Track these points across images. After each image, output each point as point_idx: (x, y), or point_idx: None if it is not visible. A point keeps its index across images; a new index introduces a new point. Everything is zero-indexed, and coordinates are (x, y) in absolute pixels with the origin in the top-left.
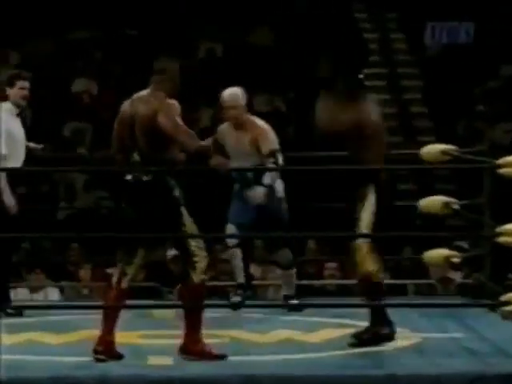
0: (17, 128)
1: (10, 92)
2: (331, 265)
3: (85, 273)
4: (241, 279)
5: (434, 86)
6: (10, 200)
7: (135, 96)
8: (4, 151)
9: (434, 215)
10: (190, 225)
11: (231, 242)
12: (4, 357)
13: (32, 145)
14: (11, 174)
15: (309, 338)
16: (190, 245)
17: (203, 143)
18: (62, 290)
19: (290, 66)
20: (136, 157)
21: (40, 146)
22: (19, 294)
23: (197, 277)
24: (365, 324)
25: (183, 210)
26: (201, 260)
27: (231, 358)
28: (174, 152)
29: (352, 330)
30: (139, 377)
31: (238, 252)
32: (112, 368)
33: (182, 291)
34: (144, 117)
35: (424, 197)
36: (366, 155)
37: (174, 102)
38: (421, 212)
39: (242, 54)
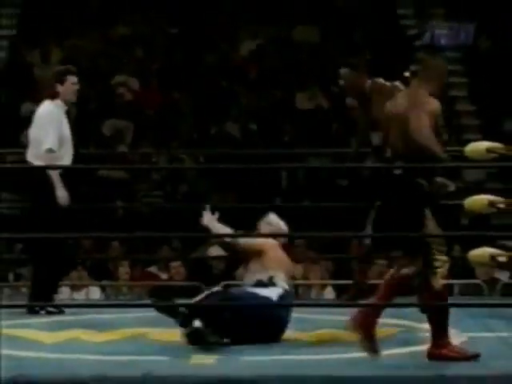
0: (67, 126)
1: (61, 89)
2: None
3: (124, 270)
4: None
5: (480, 83)
6: (62, 192)
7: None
8: (55, 148)
9: (479, 214)
10: (432, 227)
11: None
12: (44, 355)
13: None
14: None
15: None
16: (432, 248)
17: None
18: (103, 289)
19: (334, 61)
20: (388, 152)
21: None
22: (60, 293)
23: (437, 282)
24: (420, 325)
25: (427, 211)
26: (442, 265)
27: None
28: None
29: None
30: (179, 377)
31: None
32: (153, 367)
33: (425, 298)
34: (396, 113)
35: (470, 195)
36: None
37: (433, 101)
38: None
39: (285, 50)
